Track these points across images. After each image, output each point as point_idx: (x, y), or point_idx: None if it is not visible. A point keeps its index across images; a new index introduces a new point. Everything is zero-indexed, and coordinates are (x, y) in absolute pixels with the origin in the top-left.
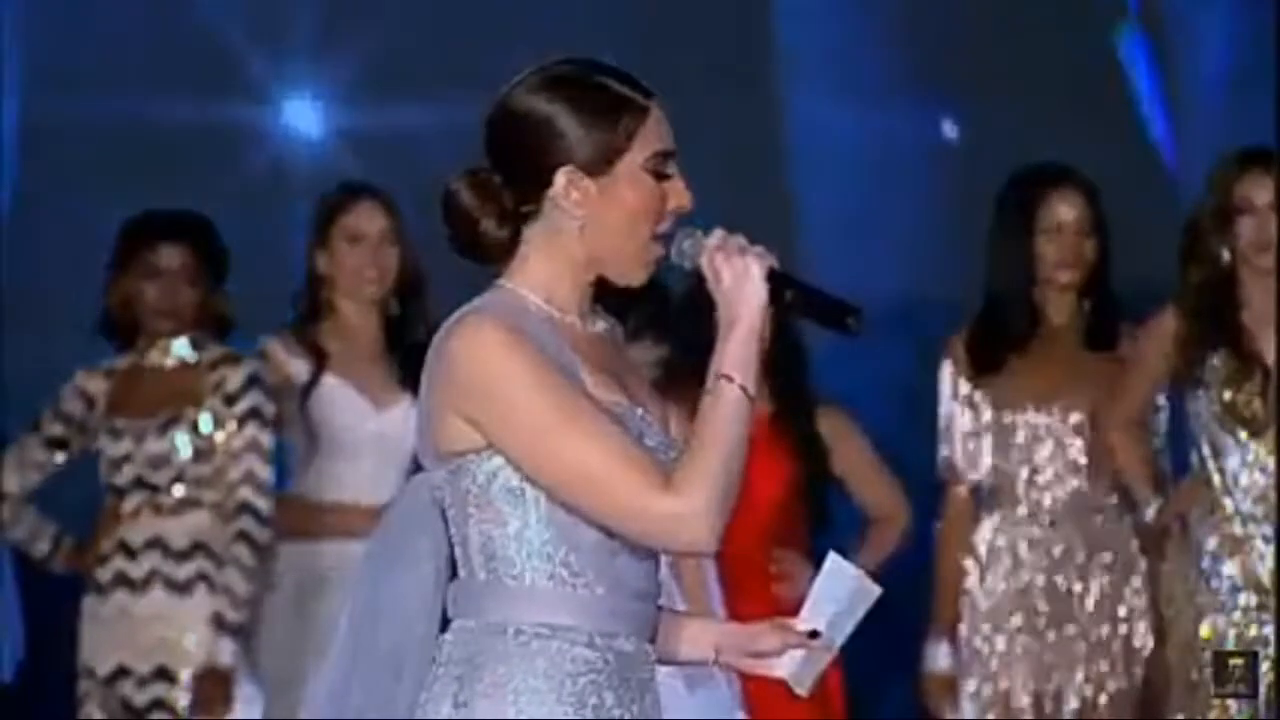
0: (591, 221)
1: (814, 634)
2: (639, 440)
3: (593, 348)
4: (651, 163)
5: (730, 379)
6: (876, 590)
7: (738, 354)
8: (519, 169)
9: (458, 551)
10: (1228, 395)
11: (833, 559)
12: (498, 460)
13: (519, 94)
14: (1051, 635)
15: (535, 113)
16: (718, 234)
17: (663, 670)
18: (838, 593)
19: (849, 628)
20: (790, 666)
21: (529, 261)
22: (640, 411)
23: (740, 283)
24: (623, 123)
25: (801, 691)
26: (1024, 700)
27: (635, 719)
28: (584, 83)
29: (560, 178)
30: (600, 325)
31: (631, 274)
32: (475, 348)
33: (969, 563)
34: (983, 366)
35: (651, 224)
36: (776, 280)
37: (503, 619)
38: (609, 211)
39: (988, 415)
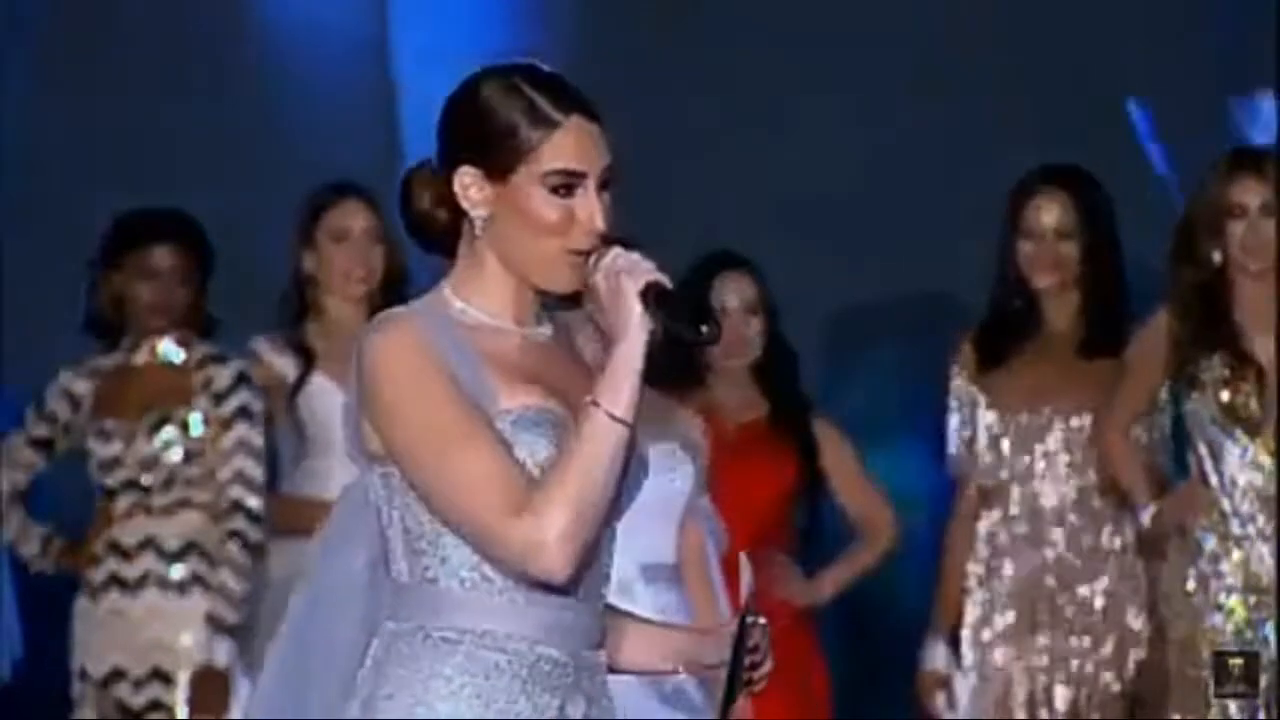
0: (493, 225)
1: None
2: (545, 450)
3: (525, 355)
4: (551, 179)
5: (597, 404)
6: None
7: (609, 378)
8: (441, 160)
9: (389, 553)
10: (1224, 396)
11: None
12: None
13: (458, 86)
14: (1048, 635)
15: (454, 108)
16: (612, 253)
17: (632, 681)
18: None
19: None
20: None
21: (460, 264)
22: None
23: (615, 303)
24: (523, 134)
25: None
26: (1020, 699)
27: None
28: (502, 87)
29: (460, 176)
30: (545, 330)
31: (550, 281)
32: (373, 351)
33: (969, 562)
34: (987, 366)
35: (555, 238)
36: (649, 299)
37: (419, 622)
38: (508, 219)
39: (992, 415)
